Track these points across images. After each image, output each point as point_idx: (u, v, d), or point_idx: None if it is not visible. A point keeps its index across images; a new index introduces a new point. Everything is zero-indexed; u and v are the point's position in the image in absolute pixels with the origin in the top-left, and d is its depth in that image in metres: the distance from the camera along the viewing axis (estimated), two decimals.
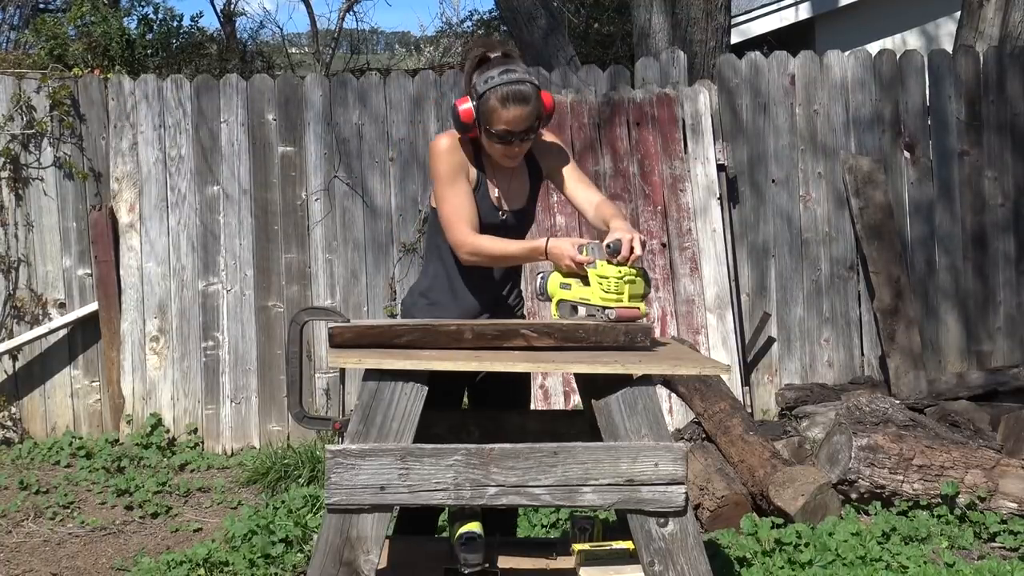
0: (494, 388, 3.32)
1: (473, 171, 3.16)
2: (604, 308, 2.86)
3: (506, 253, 3.11)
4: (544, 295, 3.07)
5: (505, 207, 3.20)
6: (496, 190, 3.19)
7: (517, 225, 3.23)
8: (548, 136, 3.31)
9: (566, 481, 2.59)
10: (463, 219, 3.10)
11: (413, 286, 3.36)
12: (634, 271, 2.87)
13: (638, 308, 2.86)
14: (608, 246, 2.87)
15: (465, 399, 3.53)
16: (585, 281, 2.93)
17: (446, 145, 3.14)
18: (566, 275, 3.00)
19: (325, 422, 3.03)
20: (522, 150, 3.13)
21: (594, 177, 6.08)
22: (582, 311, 2.96)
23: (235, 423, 6.15)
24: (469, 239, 3.09)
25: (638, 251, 2.86)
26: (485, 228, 3.14)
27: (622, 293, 2.84)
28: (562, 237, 3.07)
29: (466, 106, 3.07)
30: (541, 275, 3.09)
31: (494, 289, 3.25)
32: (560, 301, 3.02)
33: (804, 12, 10.32)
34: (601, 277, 2.86)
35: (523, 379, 3.39)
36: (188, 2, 35.38)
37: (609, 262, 2.86)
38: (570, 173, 3.29)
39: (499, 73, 3.03)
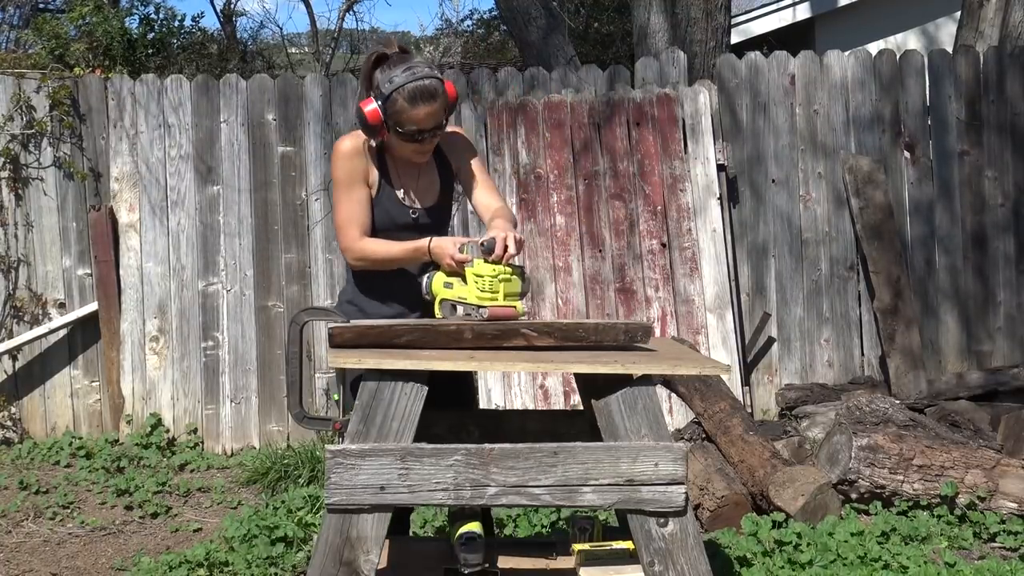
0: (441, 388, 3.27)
1: (375, 174, 3.13)
2: (479, 307, 2.87)
3: (390, 255, 3.09)
4: (429, 294, 3.05)
5: (417, 205, 3.17)
6: (402, 189, 3.16)
7: (432, 223, 3.20)
8: (452, 128, 3.27)
9: (566, 481, 2.59)
10: (353, 224, 3.09)
11: (340, 293, 3.33)
12: (509, 269, 2.87)
13: (514, 307, 2.86)
14: (482, 244, 2.88)
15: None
16: (465, 280, 2.94)
17: (347, 149, 3.11)
18: (449, 274, 3.00)
19: (325, 422, 3.03)
20: (432, 145, 3.12)
21: (594, 177, 6.09)
22: (460, 310, 2.95)
23: (235, 423, 6.15)
24: (356, 244, 3.09)
25: (512, 249, 2.85)
26: (398, 228, 3.12)
27: (496, 292, 2.85)
28: (444, 237, 3.05)
29: (371, 107, 3.01)
30: (428, 275, 3.07)
31: (416, 287, 3.17)
32: (442, 300, 3.00)
33: (804, 12, 10.32)
34: (477, 276, 2.87)
35: (465, 377, 3.38)
36: (189, 2, 35.35)
37: (485, 260, 2.86)
38: (475, 174, 3.26)
39: (403, 71, 2.98)
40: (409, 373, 2.58)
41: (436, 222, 3.22)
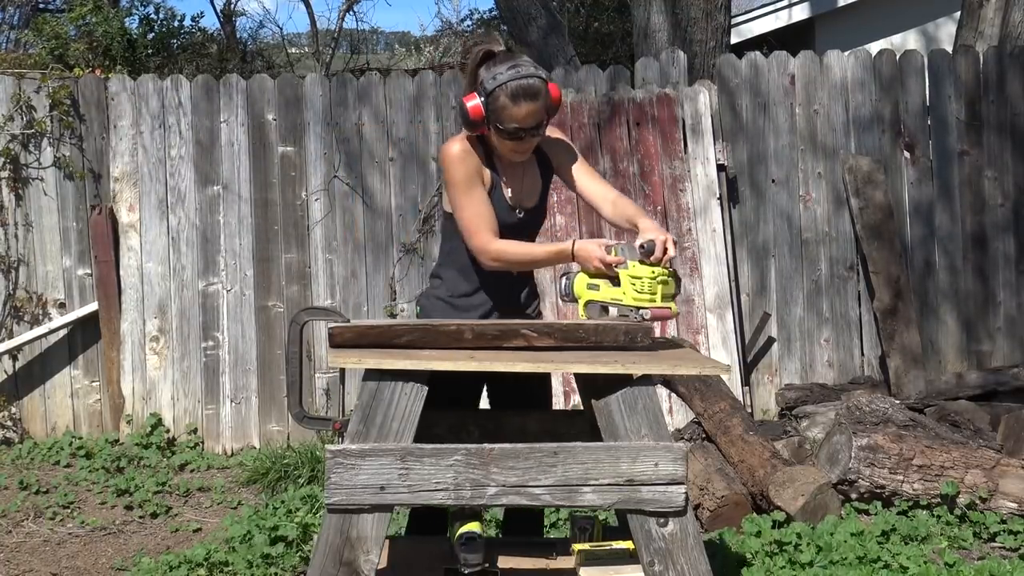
0: (511, 389, 3.31)
1: (488, 173, 3.14)
2: (638, 308, 2.85)
3: (532, 257, 3.11)
4: (570, 296, 3.04)
5: (522, 205, 3.19)
6: (510, 189, 3.17)
7: (532, 223, 3.24)
8: (554, 132, 3.29)
9: (566, 481, 2.59)
10: (483, 225, 3.08)
11: (429, 290, 3.32)
12: (666, 271, 2.87)
13: (670, 308, 2.87)
14: (642, 246, 2.86)
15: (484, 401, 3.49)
16: (614, 282, 2.92)
17: (459, 150, 3.10)
18: (593, 276, 2.98)
19: (325, 422, 3.03)
20: (532, 145, 3.12)
21: None
22: (613, 311, 2.93)
23: (235, 423, 6.15)
24: (492, 245, 3.07)
25: (671, 252, 2.87)
26: (502, 228, 3.12)
27: (655, 293, 2.84)
28: (586, 239, 3.03)
29: (474, 103, 3.02)
30: (566, 276, 3.07)
31: (511, 290, 3.24)
32: (588, 302, 2.99)
33: (804, 12, 10.32)
34: (634, 278, 2.85)
35: (540, 378, 3.36)
36: (189, 2, 35.37)
37: (642, 262, 2.85)
38: (580, 169, 3.27)
39: (507, 68, 3.00)
40: (409, 373, 2.58)
41: (535, 223, 3.25)
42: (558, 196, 6.05)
